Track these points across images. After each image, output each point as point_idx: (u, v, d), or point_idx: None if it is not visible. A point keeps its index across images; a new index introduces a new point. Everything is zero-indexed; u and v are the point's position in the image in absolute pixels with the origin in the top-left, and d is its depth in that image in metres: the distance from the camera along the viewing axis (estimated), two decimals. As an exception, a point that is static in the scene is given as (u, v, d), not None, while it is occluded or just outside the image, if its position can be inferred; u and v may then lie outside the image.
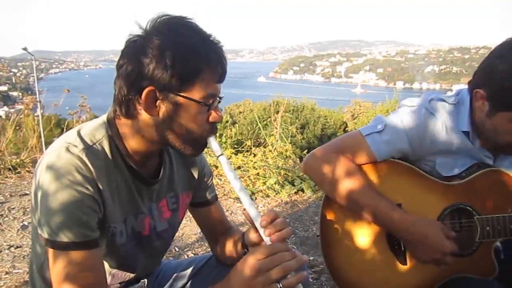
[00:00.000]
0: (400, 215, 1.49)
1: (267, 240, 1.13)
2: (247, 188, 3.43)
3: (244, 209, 1.19)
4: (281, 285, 1.05)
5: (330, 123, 14.88)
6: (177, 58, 1.07)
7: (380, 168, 1.58)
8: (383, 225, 1.55)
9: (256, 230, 1.18)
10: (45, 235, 1.07)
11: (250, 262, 1.05)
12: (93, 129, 1.18)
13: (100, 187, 1.12)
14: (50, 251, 1.08)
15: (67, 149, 1.09)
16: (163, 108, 1.12)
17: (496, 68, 1.42)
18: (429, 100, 1.55)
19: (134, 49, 1.10)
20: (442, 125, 1.51)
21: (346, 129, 14.72)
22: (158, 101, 1.12)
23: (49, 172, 1.06)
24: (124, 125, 1.19)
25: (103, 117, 1.23)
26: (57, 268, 1.08)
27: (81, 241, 1.07)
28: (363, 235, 1.61)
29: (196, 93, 1.12)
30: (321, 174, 1.58)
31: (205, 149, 1.29)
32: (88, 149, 1.12)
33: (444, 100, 1.55)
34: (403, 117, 1.54)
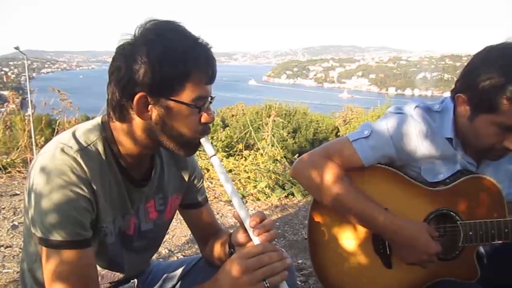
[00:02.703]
0: (387, 217, 1.52)
1: (256, 240, 1.15)
2: (238, 191, 3.45)
3: (235, 211, 1.22)
4: (268, 284, 1.07)
5: (322, 128, 14.95)
6: (165, 63, 1.10)
7: (367, 173, 1.61)
8: (370, 227, 1.58)
9: (245, 230, 1.20)
10: (39, 234, 1.09)
11: (238, 261, 1.08)
12: (87, 130, 1.20)
13: (94, 187, 1.14)
14: (43, 250, 1.10)
15: (62, 150, 1.11)
16: (155, 112, 1.15)
17: (475, 72, 1.46)
18: (414, 107, 1.58)
19: (124, 56, 1.12)
20: (426, 132, 1.54)
21: (338, 134, 14.78)
22: (150, 106, 1.14)
23: (43, 172, 1.08)
24: (118, 128, 1.21)
25: (98, 119, 1.26)
26: (49, 266, 1.09)
27: (74, 240, 1.09)
28: (350, 238, 1.64)
29: (187, 96, 1.14)
30: (309, 179, 1.61)
31: (197, 152, 1.31)
32: (83, 150, 1.14)
33: (429, 108, 1.59)
34: (389, 124, 1.57)
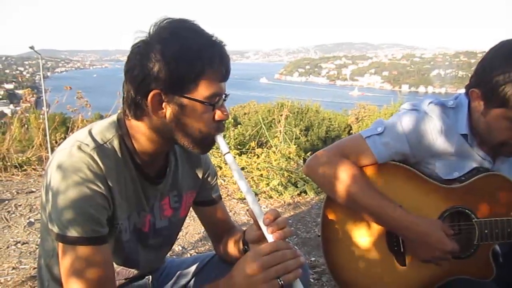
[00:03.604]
0: (401, 214, 1.52)
1: (269, 237, 1.15)
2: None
3: (248, 208, 1.23)
4: (282, 282, 1.08)
5: (334, 126, 14.88)
6: (179, 61, 1.11)
7: (381, 170, 1.61)
8: (384, 224, 1.58)
9: (259, 228, 1.21)
10: (56, 230, 1.11)
11: (253, 259, 1.08)
12: (103, 128, 1.22)
13: (110, 184, 1.15)
14: (60, 246, 1.12)
15: (79, 148, 1.13)
16: (169, 110, 1.16)
17: (489, 66, 1.46)
18: (428, 103, 1.57)
19: (139, 55, 1.13)
20: (440, 128, 1.53)
21: (351, 131, 14.70)
22: (164, 103, 1.15)
23: (60, 169, 1.10)
24: (133, 125, 1.23)
25: (114, 117, 1.27)
26: (66, 262, 1.11)
27: (90, 237, 1.11)
28: (363, 236, 1.63)
29: (201, 94, 1.15)
30: (323, 176, 1.61)
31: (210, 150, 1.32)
32: (99, 147, 1.15)
33: (443, 104, 1.58)
34: (402, 120, 1.56)
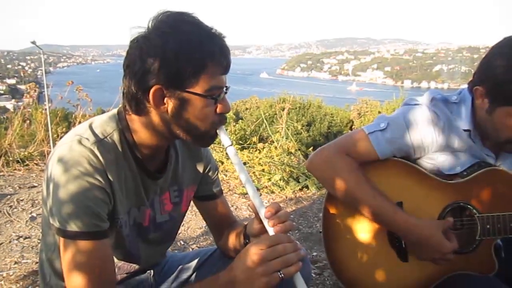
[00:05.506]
0: (401, 216, 1.51)
1: (270, 230, 1.15)
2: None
3: (250, 202, 1.22)
4: (282, 275, 1.07)
5: (336, 121, 14.84)
6: (180, 55, 1.09)
7: (383, 166, 1.60)
8: (383, 224, 1.58)
9: (260, 221, 1.21)
10: (56, 224, 1.11)
11: (253, 252, 1.08)
12: (104, 122, 1.21)
13: (110, 178, 1.15)
14: (61, 240, 1.12)
15: (79, 142, 1.12)
16: (171, 104, 1.15)
17: (493, 63, 1.44)
18: (431, 98, 1.56)
19: (138, 49, 1.12)
20: (443, 124, 1.52)
21: (353, 127, 14.66)
22: (166, 98, 1.14)
23: (61, 163, 1.10)
24: (134, 120, 1.22)
25: (114, 111, 1.26)
26: (67, 256, 1.11)
27: (90, 231, 1.11)
28: (365, 231, 1.63)
29: (202, 87, 1.14)
30: (325, 173, 1.60)
31: (212, 144, 1.31)
32: (100, 142, 1.15)
33: (446, 99, 1.57)
34: (405, 116, 1.55)
